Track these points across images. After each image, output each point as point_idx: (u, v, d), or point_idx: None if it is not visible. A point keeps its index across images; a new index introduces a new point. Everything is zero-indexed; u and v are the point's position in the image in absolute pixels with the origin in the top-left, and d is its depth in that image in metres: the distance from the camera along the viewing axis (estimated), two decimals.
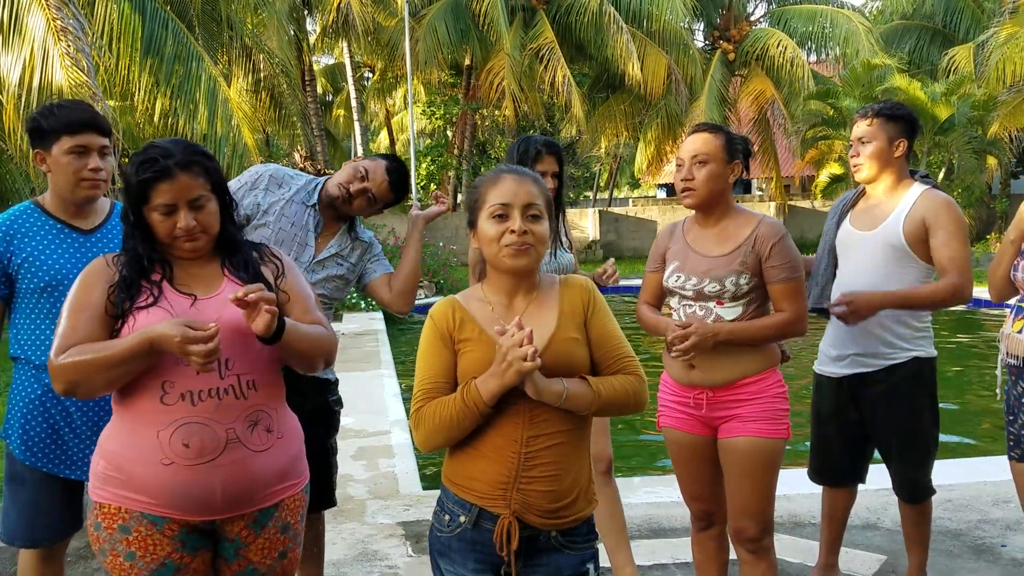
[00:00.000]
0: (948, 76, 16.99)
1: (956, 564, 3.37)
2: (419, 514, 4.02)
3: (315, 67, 23.31)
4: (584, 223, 21.95)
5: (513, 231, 1.75)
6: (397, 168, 2.81)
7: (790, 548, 3.50)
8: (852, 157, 2.94)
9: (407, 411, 6.25)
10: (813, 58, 21.41)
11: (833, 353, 2.93)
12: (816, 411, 3.07)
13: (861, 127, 2.91)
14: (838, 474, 3.08)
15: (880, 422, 2.91)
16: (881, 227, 2.85)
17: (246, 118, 12.86)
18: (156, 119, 10.09)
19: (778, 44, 18.77)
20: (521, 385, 1.68)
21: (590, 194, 32.93)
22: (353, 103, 22.53)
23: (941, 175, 13.99)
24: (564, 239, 3.01)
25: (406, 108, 26.55)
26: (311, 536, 2.81)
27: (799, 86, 18.44)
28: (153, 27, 9.96)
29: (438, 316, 1.83)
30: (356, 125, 22.84)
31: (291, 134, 16.64)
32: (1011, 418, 2.58)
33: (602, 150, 24.89)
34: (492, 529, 1.74)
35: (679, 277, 2.54)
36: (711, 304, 2.50)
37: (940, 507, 3.86)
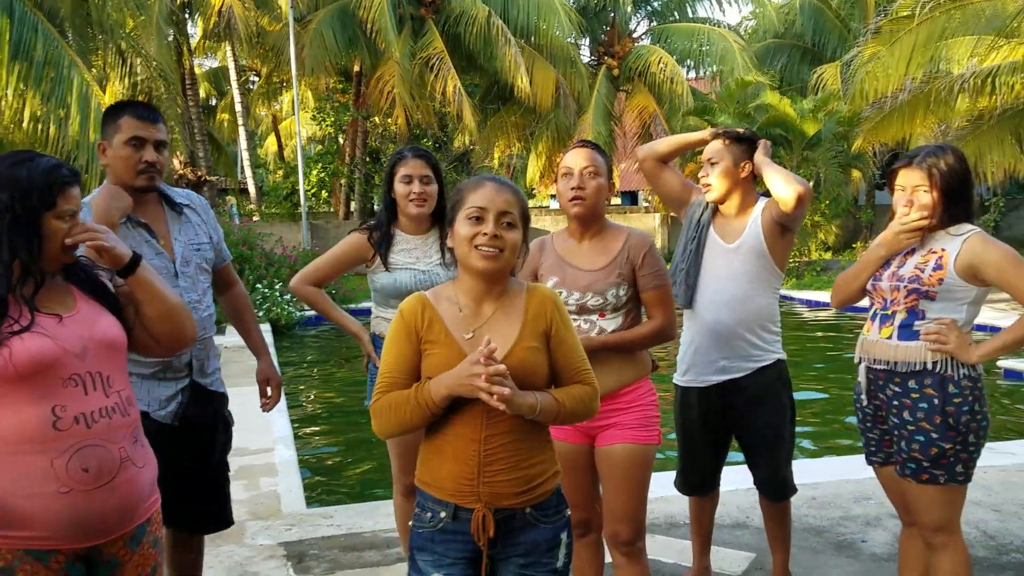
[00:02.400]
0: (816, 93, 17.95)
1: (819, 560, 3.57)
2: (302, 533, 3.95)
3: (197, 70, 22.58)
4: None
5: (485, 234, 1.85)
6: (133, 104, 2.63)
7: (666, 548, 3.64)
8: (702, 177, 3.07)
9: (293, 427, 6.14)
10: (692, 75, 22.24)
11: (701, 363, 3.04)
12: (683, 423, 3.16)
13: (709, 148, 3.06)
14: (708, 484, 3.23)
15: (750, 424, 3.07)
16: (743, 238, 3.01)
17: None
18: (26, 124, 9.55)
19: (659, 61, 19.40)
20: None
21: None
22: (238, 107, 21.93)
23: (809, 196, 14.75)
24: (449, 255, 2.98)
25: (294, 114, 26.09)
26: (189, 560, 2.78)
27: (679, 102, 19.09)
28: (22, 31, 9.48)
29: (407, 312, 1.92)
30: (241, 130, 22.23)
31: (169, 139, 16.04)
32: (870, 423, 2.74)
33: (495, 160, 25.07)
34: (469, 519, 1.86)
35: (560, 292, 2.61)
36: (594, 317, 2.59)
37: (804, 505, 4.09)
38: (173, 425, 2.57)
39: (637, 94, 19.98)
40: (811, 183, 15.10)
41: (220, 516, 2.80)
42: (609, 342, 2.56)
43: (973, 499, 4.12)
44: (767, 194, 3.17)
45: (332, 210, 23.43)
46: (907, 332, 2.56)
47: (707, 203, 3.11)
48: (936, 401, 2.50)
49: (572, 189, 2.58)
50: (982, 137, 15.27)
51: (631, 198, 32.35)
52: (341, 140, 22.43)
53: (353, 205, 22.00)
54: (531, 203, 40.39)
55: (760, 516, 3.90)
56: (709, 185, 3.04)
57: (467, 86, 19.18)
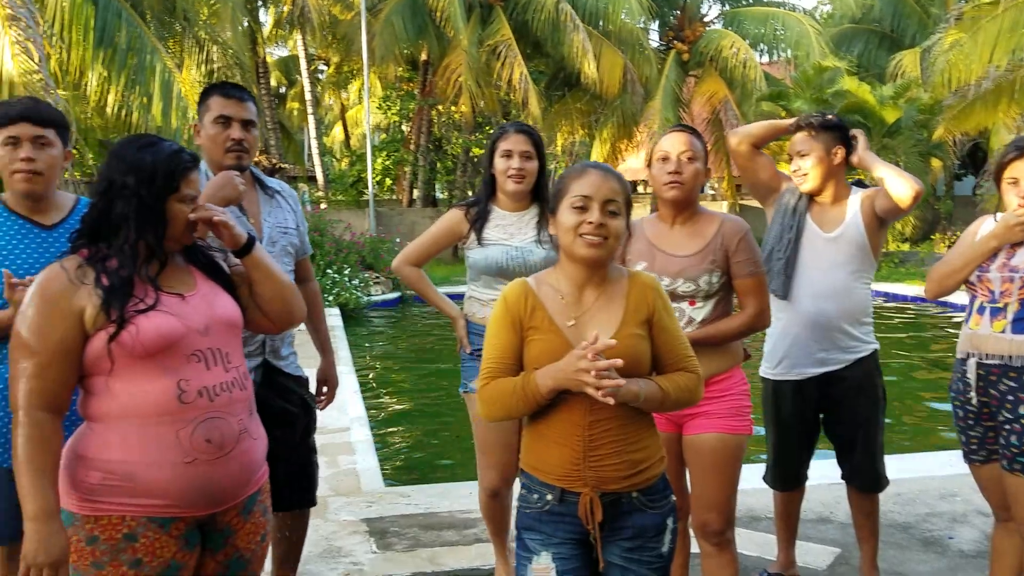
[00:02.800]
0: (895, 80, 17.41)
1: (906, 556, 3.49)
2: (382, 511, 4.02)
3: (268, 59, 23.01)
4: None
5: (591, 222, 1.84)
6: (221, 85, 2.68)
7: (747, 542, 3.58)
8: (794, 170, 3.01)
9: (366, 407, 6.25)
10: (765, 59, 21.75)
11: (798, 355, 2.98)
12: (776, 418, 3.10)
13: (800, 138, 2.99)
14: (800, 478, 3.19)
15: (848, 416, 3.01)
16: (843, 227, 2.95)
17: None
18: (109, 110, 9.86)
19: (731, 45, 19.03)
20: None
21: None
22: (307, 96, 22.29)
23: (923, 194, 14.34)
24: (544, 232, 2.92)
25: (361, 102, 26.37)
26: (294, 539, 2.88)
27: (752, 87, 18.71)
28: (106, 16, 9.76)
29: (511, 300, 1.94)
30: (310, 118, 22.60)
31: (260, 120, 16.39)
32: (973, 420, 2.65)
33: (558, 148, 24.97)
34: (576, 503, 1.87)
35: None
36: (683, 304, 2.56)
37: (889, 501, 3.99)
38: None
39: (707, 79, 19.62)
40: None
41: (305, 496, 2.85)
42: (698, 338, 2.47)
43: None
44: (859, 183, 3.09)
45: (396, 197, 23.68)
46: (1022, 325, 2.48)
47: (800, 192, 3.04)
48: None
49: (669, 173, 2.55)
50: None
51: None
52: (405, 128, 22.63)
53: (416, 192, 22.19)
54: None
55: (844, 511, 3.83)
56: (805, 175, 2.97)
57: (532, 73, 19.11)
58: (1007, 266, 2.51)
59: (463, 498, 4.10)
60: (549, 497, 1.90)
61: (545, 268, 2.80)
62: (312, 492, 2.89)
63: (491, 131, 21.54)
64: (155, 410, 1.80)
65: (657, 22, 22.14)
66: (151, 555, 1.81)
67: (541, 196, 2.97)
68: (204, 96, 2.64)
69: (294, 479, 2.80)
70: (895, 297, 13.24)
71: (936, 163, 17.88)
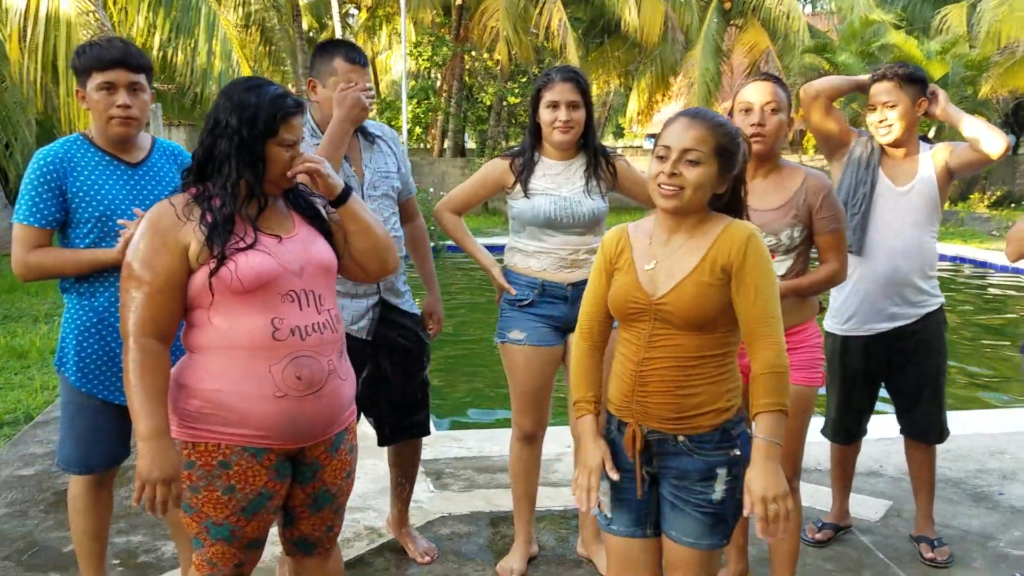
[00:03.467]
0: (940, 34, 16.95)
1: (957, 510, 3.53)
2: (435, 453, 4.12)
3: (300, 2, 22.80)
4: None
5: (663, 172, 1.86)
6: (342, 44, 2.75)
7: (803, 493, 3.64)
8: (880, 122, 2.98)
9: None
10: (809, 11, 21.23)
11: (870, 311, 3.00)
12: (842, 374, 3.12)
13: (885, 89, 2.97)
14: (860, 432, 3.23)
15: (916, 369, 3.05)
16: (915, 181, 2.97)
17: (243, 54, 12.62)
18: (155, 52, 9.84)
19: None
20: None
21: None
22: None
23: (932, 132, 14.03)
24: (593, 182, 2.86)
25: (391, 48, 26.08)
26: (415, 464, 3.14)
27: (794, 39, 18.27)
28: None
29: (607, 243, 2.03)
30: None
31: (282, 71, 16.31)
32: None
33: (593, 97, 24.65)
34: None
35: None
36: None
37: (940, 457, 3.97)
38: (367, 340, 2.76)
39: (749, 29, 19.18)
40: (933, 128, 14.43)
41: (418, 424, 3.05)
42: (783, 290, 2.44)
43: None
44: (924, 139, 3.08)
45: (426, 146, 23.51)
46: None
47: (871, 146, 3.02)
48: None
49: (752, 125, 2.52)
50: None
51: None
52: (437, 76, 22.34)
53: (447, 142, 22.01)
54: (621, 143, 39.61)
55: (894, 465, 3.89)
56: (890, 127, 2.95)
57: (571, 19, 18.78)
58: None
59: None
60: (612, 427, 2.02)
61: (594, 219, 2.85)
62: (426, 421, 3.08)
63: (524, 80, 21.31)
64: (249, 344, 1.86)
65: None
66: (244, 482, 1.89)
67: (590, 144, 2.89)
68: (327, 56, 2.69)
69: (408, 408, 2.98)
70: (965, 260, 13.02)
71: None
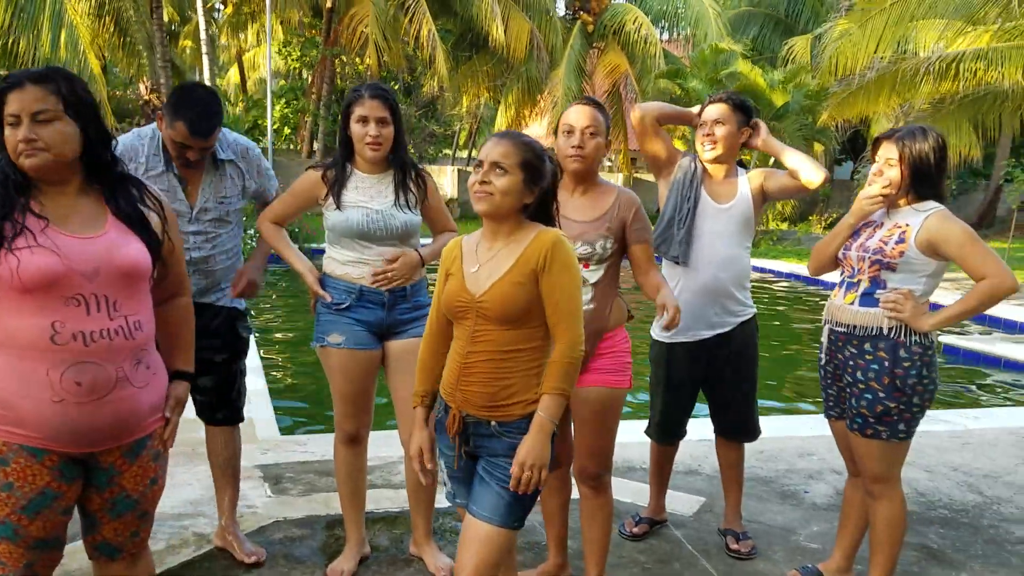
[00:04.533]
0: (787, 64, 18.14)
1: (765, 507, 3.84)
2: (278, 458, 4.11)
3: None
4: (443, 181, 21.99)
5: (477, 180, 2.14)
6: (194, 103, 2.78)
7: (622, 489, 3.86)
8: (706, 136, 3.24)
9: (262, 359, 6.25)
10: (666, 36, 22.25)
11: (694, 319, 3.21)
12: (667, 379, 3.35)
13: (717, 109, 3.24)
14: (681, 433, 3.48)
15: (732, 373, 3.31)
16: (735, 200, 3.24)
17: (91, 44, 12.02)
18: None
19: (634, 20, 19.38)
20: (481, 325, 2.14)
21: (450, 152, 32.91)
22: (202, 35, 21.34)
23: (772, 160, 14.98)
24: (402, 196, 2.94)
25: (259, 45, 25.44)
26: (227, 455, 3.20)
27: (651, 63, 19.14)
28: None
29: (444, 252, 2.30)
30: (205, 59, 21.68)
31: (136, 63, 15.62)
32: (829, 380, 2.96)
33: (464, 109, 24.88)
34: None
35: None
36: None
37: (752, 458, 4.35)
38: None
39: (610, 52, 19.95)
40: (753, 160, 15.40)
41: (229, 413, 3.20)
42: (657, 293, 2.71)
43: (907, 460, 4.43)
44: (740, 164, 3.37)
45: (295, 147, 23.08)
46: (868, 299, 2.77)
47: (695, 166, 3.28)
48: (886, 364, 2.72)
49: (573, 147, 2.71)
50: (941, 121, 15.63)
51: None
52: (307, 77, 22.02)
53: (316, 144, 21.71)
54: None
55: (711, 465, 4.17)
56: (715, 143, 3.21)
57: (440, 31, 18.94)
58: (862, 246, 2.81)
59: None
60: (439, 410, 2.27)
61: (407, 231, 2.96)
62: (237, 411, 3.22)
63: (395, 87, 21.30)
64: (27, 345, 1.84)
65: None
66: (23, 480, 1.88)
67: (400, 159, 2.96)
68: (178, 104, 2.76)
69: (219, 397, 3.12)
70: (772, 272, 13.98)
71: (818, 147, 18.81)
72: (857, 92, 14.32)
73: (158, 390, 2.05)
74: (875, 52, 14.06)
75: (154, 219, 2.05)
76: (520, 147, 2.16)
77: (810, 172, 3.17)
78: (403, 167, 2.97)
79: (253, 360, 5.94)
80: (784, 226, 18.53)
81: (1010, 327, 9.58)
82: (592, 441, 2.76)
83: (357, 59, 19.81)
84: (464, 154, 35.01)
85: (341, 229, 2.91)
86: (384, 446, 4.03)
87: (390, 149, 2.92)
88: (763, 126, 3.34)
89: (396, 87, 21.32)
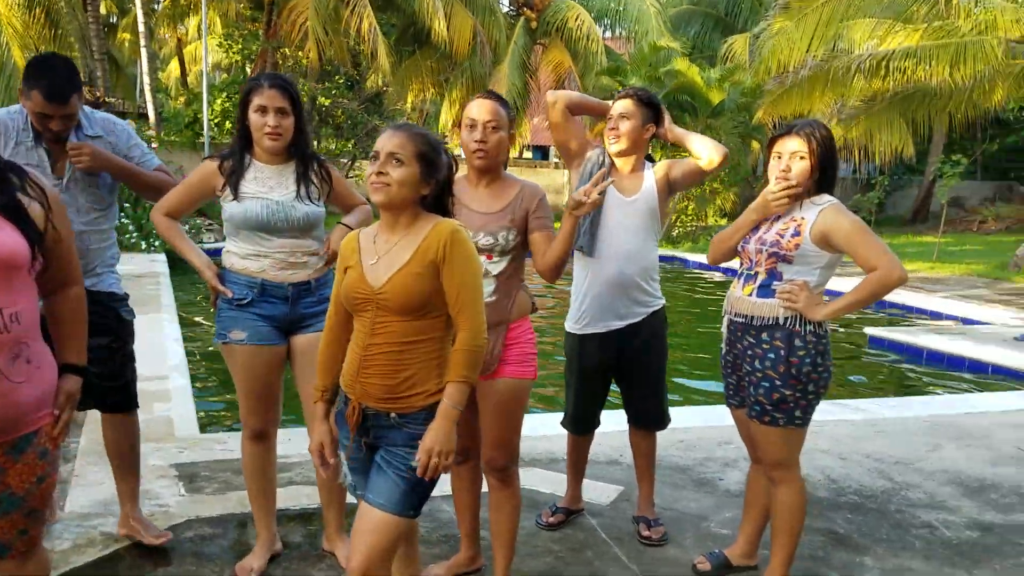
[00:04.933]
0: (726, 62, 18.43)
1: (681, 494, 3.91)
2: (195, 456, 4.06)
3: None
4: None
5: (374, 171, 2.14)
6: (46, 70, 2.75)
7: (544, 480, 3.92)
8: (611, 130, 3.29)
9: (187, 354, 6.16)
10: (608, 34, 22.41)
11: (602, 310, 3.28)
12: (579, 370, 3.41)
13: (623, 104, 3.29)
14: (595, 423, 3.53)
15: (642, 363, 3.37)
16: (641, 193, 3.29)
17: (16, 35, 11.67)
18: None
19: (576, 17, 19.49)
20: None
21: None
22: (141, 28, 20.87)
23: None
24: (303, 188, 2.91)
25: (201, 38, 24.97)
26: (121, 442, 3.16)
27: (593, 60, 19.27)
28: None
29: (343, 246, 2.28)
30: (143, 52, 21.21)
31: (70, 56, 15.20)
32: (729, 370, 3.03)
33: (408, 104, 24.75)
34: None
35: None
36: (482, 258, 2.76)
37: (672, 447, 4.43)
38: None
39: (553, 49, 20.03)
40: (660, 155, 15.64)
41: (122, 400, 3.14)
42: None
43: (820, 447, 4.58)
44: (650, 159, 3.43)
45: None
46: (765, 291, 2.84)
47: (603, 159, 3.32)
48: (782, 352, 2.79)
49: (476, 142, 2.73)
50: (873, 117, 16.06)
51: (542, 153, 32.56)
52: (249, 70, 21.67)
53: None
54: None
55: (631, 455, 4.24)
56: (620, 136, 3.26)
57: (383, 25, 18.79)
58: (760, 239, 2.88)
59: (281, 444, 4.17)
60: (342, 402, 2.26)
61: (309, 223, 2.94)
62: (130, 398, 3.16)
63: (340, 81, 21.10)
64: None
65: None
66: None
67: (301, 151, 2.94)
68: (30, 76, 2.74)
69: (110, 384, 3.04)
70: (711, 268, 14.20)
71: (755, 145, 19.14)
72: (792, 90, 14.60)
73: (42, 385, 1.99)
74: (808, 50, 14.36)
75: (36, 209, 2.00)
76: (416, 139, 2.17)
77: (710, 152, 3.24)
78: (305, 159, 2.95)
79: (176, 357, 5.85)
80: (723, 221, 18.80)
81: (936, 317, 9.89)
82: (498, 433, 2.78)
83: (300, 52, 19.55)
84: None
85: (239, 221, 2.87)
86: (305, 442, 3.99)
87: (291, 140, 2.89)
88: (666, 116, 3.40)
89: (340, 81, 21.14)
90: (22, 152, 2.80)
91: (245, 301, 2.90)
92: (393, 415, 2.16)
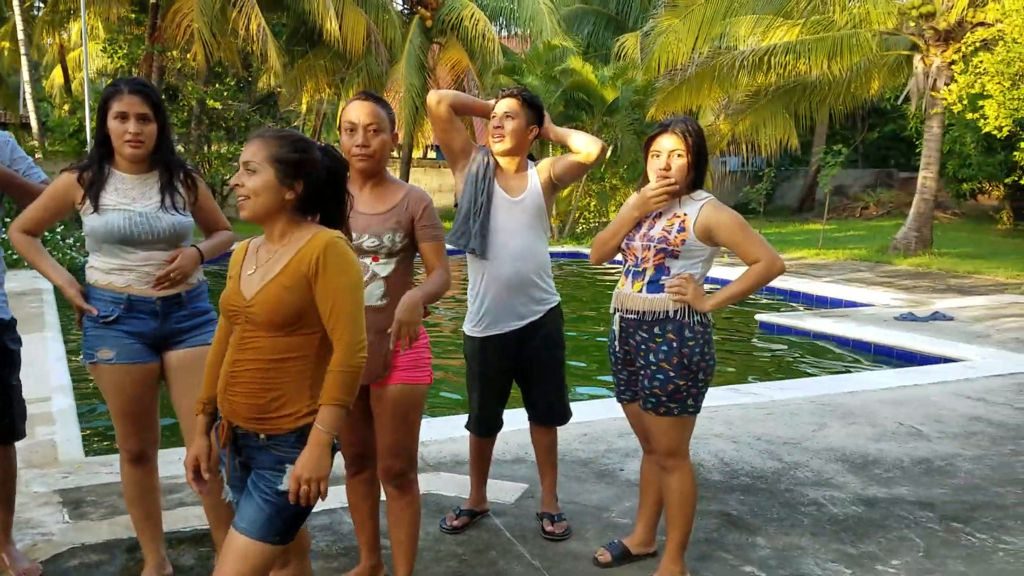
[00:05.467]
0: (619, 60, 18.76)
1: (583, 487, 3.97)
2: (80, 481, 3.87)
3: None
4: None
5: (238, 183, 2.06)
6: None
7: (449, 483, 3.91)
8: (496, 129, 3.30)
9: (71, 374, 5.87)
10: (504, 33, 22.49)
11: (501, 312, 3.30)
12: (481, 372, 3.40)
13: (507, 104, 3.31)
14: (499, 425, 3.54)
15: (542, 360, 3.40)
16: (527, 193, 3.32)
17: None
18: None
19: (471, 16, 19.45)
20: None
21: None
22: (20, 35, 19.78)
23: (608, 152, 15.47)
24: (168, 197, 2.81)
25: (83, 44, 23.83)
26: (2, 478, 2.97)
27: (490, 59, 19.28)
28: None
29: (234, 254, 2.22)
30: (23, 60, 20.11)
31: None
32: (620, 366, 3.09)
33: (303, 105, 24.24)
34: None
35: None
36: (367, 260, 2.72)
37: (575, 440, 4.50)
38: None
39: (451, 48, 19.93)
40: (611, 148, 15.93)
41: (8, 431, 2.98)
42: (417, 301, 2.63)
43: (714, 432, 4.72)
44: (531, 158, 3.47)
45: None
46: (654, 286, 2.91)
47: (487, 160, 3.33)
48: (675, 344, 2.87)
49: (357, 146, 2.69)
50: (759, 111, 16.69)
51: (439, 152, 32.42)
52: (135, 74, 20.83)
53: None
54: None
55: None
56: (504, 136, 3.27)
57: (273, 26, 18.34)
58: (646, 236, 2.95)
59: (170, 464, 4.02)
60: (217, 420, 2.17)
61: (176, 234, 2.84)
62: (10, 429, 2.98)
63: (231, 83, 20.50)
64: None
65: None
66: None
67: (164, 158, 2.83)
68: None
69: None
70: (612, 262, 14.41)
71: None
72: (681, 86, 15.03)
73: None
74: (695, 47, 14.80)
75: None
76: (268, 143, 2.05)
77: (588, 146, 3.31)
78: (170, 167, 2.84)
79: (60, 377, 5.57)
80: None
81: (822, 302, 10.34)
82: (394, 439, 2.75)
83: (187, 55, 18.90)
84: None
85: (101, 234, 2.75)
86: None
87: (153, 148, 2.78)
88: (547, 116, 3.44)
89: (230, 82, 20.55)
90: None
91: (111, 318, 2.77)
92: (262, 436, 2.05)
